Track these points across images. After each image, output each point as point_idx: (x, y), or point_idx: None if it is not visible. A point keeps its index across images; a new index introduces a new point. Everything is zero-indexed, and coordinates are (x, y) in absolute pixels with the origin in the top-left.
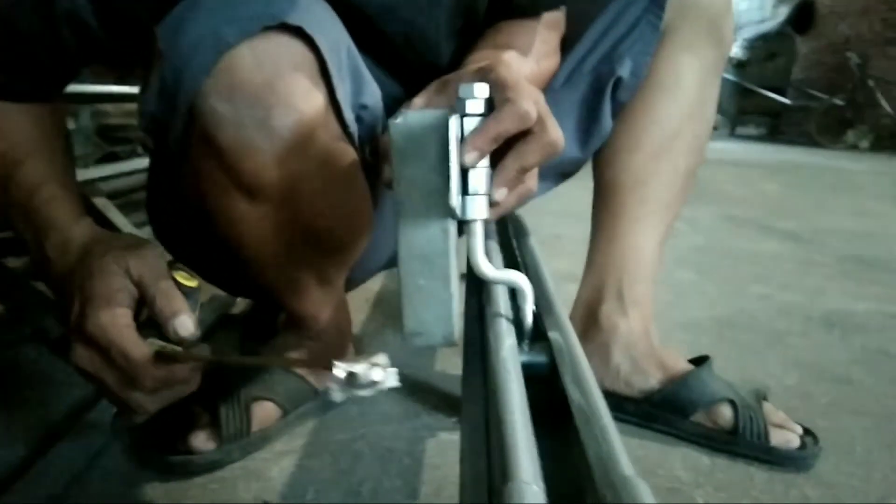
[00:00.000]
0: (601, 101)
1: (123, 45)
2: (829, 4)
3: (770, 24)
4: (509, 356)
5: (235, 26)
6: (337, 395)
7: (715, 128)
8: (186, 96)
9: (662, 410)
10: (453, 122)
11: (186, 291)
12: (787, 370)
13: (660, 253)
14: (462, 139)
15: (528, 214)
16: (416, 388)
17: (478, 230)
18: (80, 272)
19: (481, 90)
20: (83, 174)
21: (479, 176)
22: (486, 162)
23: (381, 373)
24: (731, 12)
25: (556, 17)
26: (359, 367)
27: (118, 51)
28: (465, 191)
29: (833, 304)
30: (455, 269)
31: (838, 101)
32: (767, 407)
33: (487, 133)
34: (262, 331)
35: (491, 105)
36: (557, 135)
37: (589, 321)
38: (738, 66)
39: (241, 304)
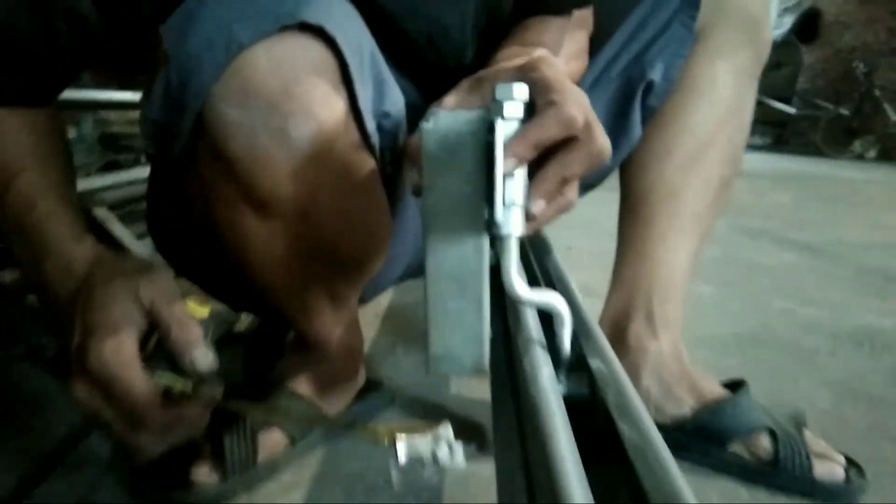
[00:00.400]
0: (631, 106)
1: (125, 44)
2: (834, 14)
3: (775, 34)
4: (549, 388)
5: (249, 25)
6: (397, 478)
7: None
8: (194, 102)
9: (697, 439)
10: (500, 125)
11: (198, 320)
12: (818, 392)
13: (692, 270)
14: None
15: None
16: (431, 412)
17: (512, 246)
18: (82, 298)
19: (521, 91)
20: (84, 183)
21: (516, 186)
22: (523, 171)
23: (446, 449)
24: (768, 12)
25: (584, 15)
26: (423, 443)
27: (120, 51)
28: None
29: (859, 320)
30: (488, 291)
31: (844, 111)
32: (807, 435)
33: (528, 139)
34: (268, 350)
35: (531, 108)
36: (605, 143)
37: (615, 342)
38: None
39: (245, 320)
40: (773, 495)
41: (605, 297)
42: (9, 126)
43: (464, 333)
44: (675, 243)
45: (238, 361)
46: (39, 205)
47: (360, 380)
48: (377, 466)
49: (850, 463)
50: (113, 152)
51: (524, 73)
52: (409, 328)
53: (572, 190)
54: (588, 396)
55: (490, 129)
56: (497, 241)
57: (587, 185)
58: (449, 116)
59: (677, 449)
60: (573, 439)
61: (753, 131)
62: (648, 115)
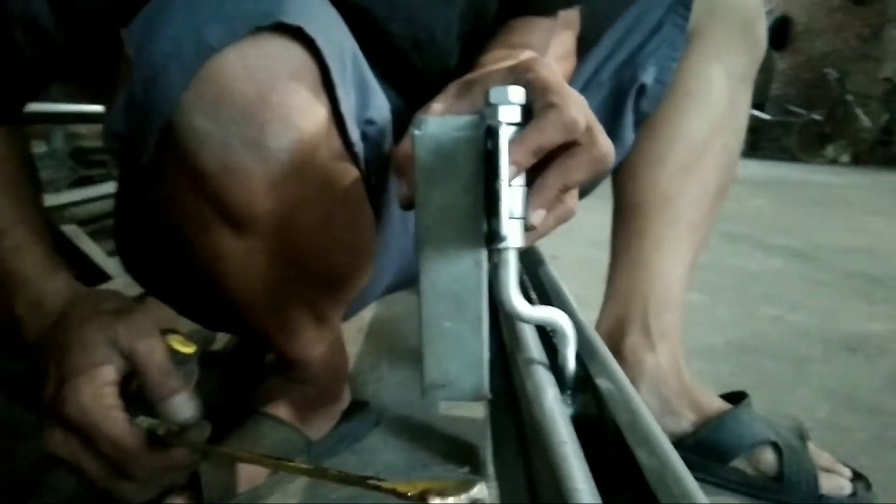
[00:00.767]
0: (622, 110)
1: (89, 53)
2: (805, 22)
3: None
4: (556, 410)
5: (221, 26)
6: None
7: None
8: (160, 112)
9: (698, 455)
10: (504, 129)
11: (182, 359)
12: (816, 401)
13: (688, 279)
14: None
15: None
16: (420, 433)
17: (511, 260)
18: (56, 341)
19: (516, 94)
20: (56, 199)
21: (515, 195)
22: (521, 179)
23: None
24: (763, 13)
25: (570, 15)
26: None
27: (84, 62)
28: (494, 213)
29: (849, 326)
30: (486, 310)
31: (817, 117)
32: (811, 447)
33: (528, 145)
34: (247, 371)
35: (527, 112)
36: (608, 148)
37: None
38: None
39: (221, 340)
40: None
41: (596, 308)
42: None
43: (462, 357)
44: (671, 252)
45: (215, 383)
46: (6, 236)
47: (345, 401)
48: (365, 493)
49: (857, 476)
50: (85, 167)
51: (518, 75)
52: (395, 343)
53: (572, 198)
54: (595, 418)
55: (487, 135)
56: (495, 255)
57: (580, 193)
58: (440, 122)
59: None
60: (587, 465)
61: None
62: (641, 120)
